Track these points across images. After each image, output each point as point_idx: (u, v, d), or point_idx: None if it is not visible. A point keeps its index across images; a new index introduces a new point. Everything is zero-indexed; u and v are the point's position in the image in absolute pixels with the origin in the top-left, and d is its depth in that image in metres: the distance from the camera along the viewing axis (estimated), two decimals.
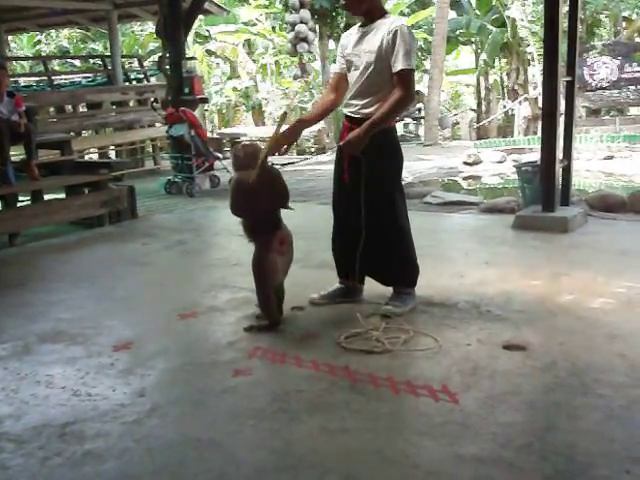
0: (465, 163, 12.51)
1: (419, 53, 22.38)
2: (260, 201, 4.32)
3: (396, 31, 4.16)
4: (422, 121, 19.08)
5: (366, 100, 4.35)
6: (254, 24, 21.35)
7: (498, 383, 3.39)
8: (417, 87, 22.36)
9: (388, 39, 4.19)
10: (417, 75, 24.57)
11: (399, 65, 4.14)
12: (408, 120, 20.94)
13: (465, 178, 12.06)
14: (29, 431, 3.16)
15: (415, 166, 12.63)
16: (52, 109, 12.80)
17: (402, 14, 20.23)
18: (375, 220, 4.44)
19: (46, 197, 7.94)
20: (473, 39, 22.40)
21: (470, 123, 22.37)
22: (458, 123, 22.87)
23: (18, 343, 4.32)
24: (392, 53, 4.17)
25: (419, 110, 20.03)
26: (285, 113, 4.91)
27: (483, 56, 21.57)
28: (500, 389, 3.32)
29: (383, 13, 4.42)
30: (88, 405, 3.40)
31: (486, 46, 20.92)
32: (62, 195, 8.00)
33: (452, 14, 20.17)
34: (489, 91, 23.52)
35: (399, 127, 21.87)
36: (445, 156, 13.96)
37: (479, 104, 23.54)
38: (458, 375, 3.48)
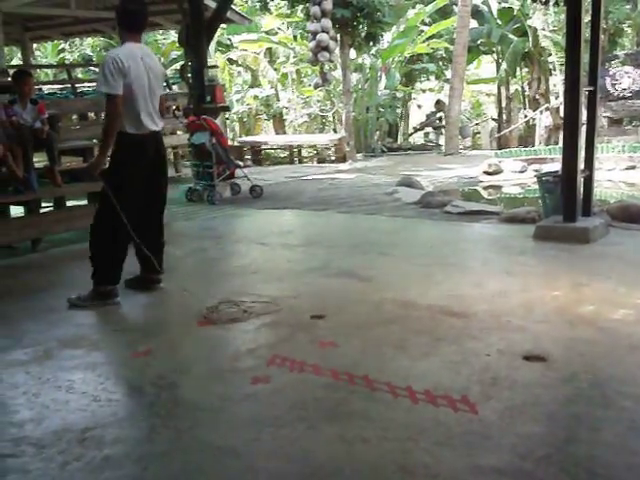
0: (485, 172, 12.47)
1: (440, 62, 22.37)
2: None
3: None
4: (443, 130, 19.05)
5: None
6: (275, 33, 21.42)
7: (518, 394, 3.37)
8: (438, 96, 22.39)
9: None
10: (438, 84, 24.57)
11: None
12: (429, 129, 20.93)
13: (485, 187, 12.03)
14: (49, 435, 3.18)
15: (435, 175, 12.62)
16: (75, 116, 12.92)
17: (423, 23, 20.23)
18: None
19: (68, 203, 8.02)
20: (494, 48, 22.34)
21: (491, 132, 22.31)
22: (479, 132, 22.83)
23: (40, 348, 4.35)
24: None
25: (440, 119, 20.01)
26: None
27: (504, 65, 21.50)
28: (520, 400, 3.30)
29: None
30: (108, 411, 3.42)
31: (507, 55, 20.86)
32: (84, 202, 8.07)
33: (473, 23, 20.13)
34: (510, 100, 23.42)
35: (420, 136, 21.89)
36: (465, 165, 13.93)
37: (500, 113, 23.45)
38: (478, 385, 3.47)
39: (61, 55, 26.08)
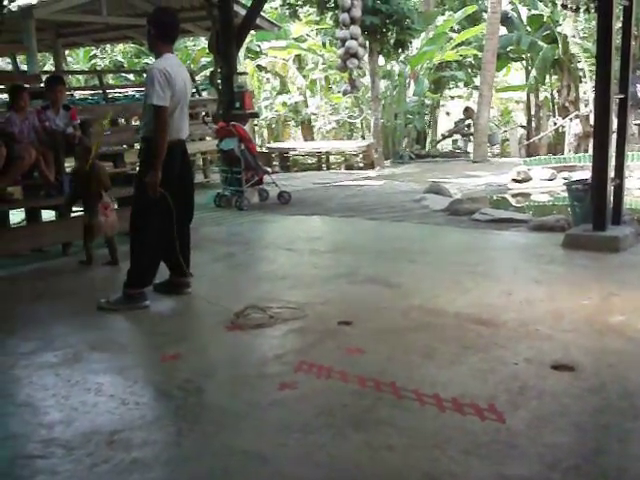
0: (514, 180, 12.39)
1: (469, 69, 22.31)
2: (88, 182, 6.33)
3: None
4: (471, 137, 18.96)
5: None
6: (304, 40, 21.49)
7: (546, 403, 3.35)
8: (467, 103, 22.31)
9: None
10: (467, 91, 24.50)
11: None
12: (457, 136, 20.85)
13: (514, 195, 11.95)
14: (78, 437, 3.21)
15: (464, 182, 12.57)
16: (106, 122, 13.04)
17: (452, 30, 20.19)
18: None
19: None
20: (524, 55, 22.23)
21: (520, 140, 22.15)
22: (507, 140, 22.67)
23: (69, 351, 4.41)
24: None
25: (468, 126, 19.93)
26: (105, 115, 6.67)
27: (533, 73, 21.38)
28: (548, 409, 3.28)
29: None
30: (136, 414, 3.45)
31: (537, 62, 20.74)
32: (114, 206, 8.14)
33: (503, 30, 20.04)
34: (539, 108, 23.28)
35: (448, 143, 21.81)
36: (494, 173, 13.86)
37: (529, 121, 23.32)
38: (505, 394, 3.45)
39: (92, 61, 26.36)
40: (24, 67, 14.22)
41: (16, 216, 8.06)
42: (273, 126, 25.12)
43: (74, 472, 2.93)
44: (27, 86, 8.21)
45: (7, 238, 7.09)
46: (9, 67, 19.65)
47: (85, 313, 5.20)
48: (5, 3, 7.83)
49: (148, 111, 5.10)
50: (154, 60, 5.26)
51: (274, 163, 17.66)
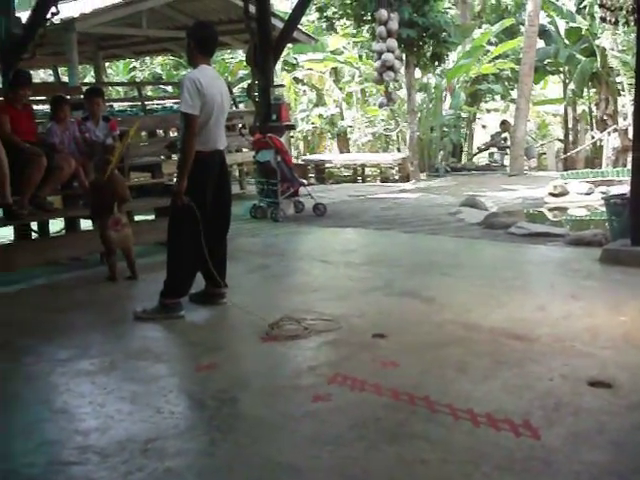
0: (551, 194, 12.28)
1: (506, 82, 22.18)
2: (103, 195, 6.30)
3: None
4: (508, 151, 18.85)
5: None
6: (341, 52, 21.55)
7: (582, 420, 3.31)
8: (504, 116, 22.19)
9: None
10: (503, 104, 24.37)
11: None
12: (493, 150, 20.74)
13: (551, 209, 11.84)
14: (113, 445, 3.24)
15: (500, 196, 12.50)
16: (144, 133, 13.20)
17: (489, 43, 20.12)
18: None
19: (136, 218, 8.20)
20: (561, 68, 22.07)
21: (557, 153, 21.95)
22: (544, 153, 22.47)
23: (106, 359, 4.46)
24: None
25: (505, 140, 19.81)
26: (129, 130, 6.59)
27: (571, 86, 21.21)
28: (584, 427, 3.24)
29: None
30: (170, 423, 3.48)
31: (575, 76, 20.58)
32: (151, 217, 8.24)
33: (540, 43, 19.93)
34: (577, 121, 23.08)
35: (484, 156, 21.71)
36: (530, 186, 13.76)
37: (566, 134, 23.11)
38: (540, 410, 3.42)
39: (132, 73, 26.71)
40: (65, 78, 14.45)
41: (55, 225, 8.18)
42: (309, 138, 25.21)
43: (109, 479, 2.96)
44: (68, 97, 8.33)
45: (47, 247, 7.20)
46: (51, 78, 19.99)
47: (121, 322, 5.27)
48: (48, 16, 7.97)
49: (181, 120, 5.19)
50: (191, 71, 5.33)
51: (310, 175, 17.70)
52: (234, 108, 15.54)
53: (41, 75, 22.71)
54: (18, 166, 6.53)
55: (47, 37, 8.24)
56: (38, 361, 4.49)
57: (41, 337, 4.94)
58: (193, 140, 5.07)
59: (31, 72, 7.99)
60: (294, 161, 13.63)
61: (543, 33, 20.37)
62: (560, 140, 24.12)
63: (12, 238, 7.69)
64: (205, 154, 5.18)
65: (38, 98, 9.51)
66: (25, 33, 7.91)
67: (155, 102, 16.45)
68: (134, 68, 26.93)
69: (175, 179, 5.36)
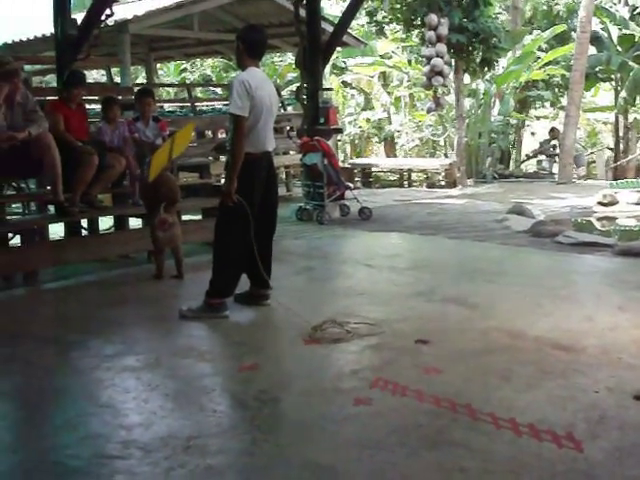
0: (600, 203, 12.08)
1: (556, 89, 21.90)
2: (152, 194, 6.43)
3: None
4: (556, 158, 18.60)
5: None
6: (390, 57, 21.48)
7: (627, 434, 3.26)
8: (553, 124, 21.91)
9: None
10: (553, 111, 24.07)
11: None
12: (542, 157, 20.49)
13: (599, 219, 11.65)
14: (156, 441, 3.30)
15: (547, 204, 12.34)
16: (193, 134, 13.33)
17: (540, 49, 19.89)
18: None
19: (184, 218, 8.29)
20: (613, 76, 21.70)
21: (607, 162, 21.58)
22: (594, 162, 22.12)
23: (151, 356, 4.53)
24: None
25: (554, 147, 19.56)
26: (173, 135, 6.51)
27: (623, 94, 20.82)
28: (629, 441, 3.19)
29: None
30: (212, 421, 3.52)
31: (627, 83, 20.19)
32: (199, 217, 8.32)
33: (592, 50, 19.60)
34: (628, 130, 22.64)
35: (532, 163, 21.45)
36: (579, 195, 13.56)
37: (617, 143, 22.69)
38: (584, 423, 3.37)
39: (182, 75, 26.98)
40: (118, 79, 14.68)
41: (105, 223, 8.32)
42: (356, 142, 25.18)
43: (151, 474, 3.01)
44: (118, 98, 8.46)
45: (96, 244, 7.33)
46: (104, 79, 20.32)
47: (167, 319, 5.34)
48: (103, 18, 8.10)
49: (230, 122, 5.24)
50: (240, 73, 5.38)
51: (356, 179, 17.66)
52: (282, 110, 15.65)
53: (94, 75, 23.08)
54: (70, 164, 6.65)
55: (101, 38, 8.37)
56: (85, 356, 4.58)
57: (88, 332, 5.03)
58: (242, 141, 5.11)
59: (85, 72, 8.12)
60: (341, 164, 13.63)
61: (595, 40, 20.04)
62: (610, 149, 23.71)
63: (63, 234, 7.84)
64: (254, 156, 5.22)
65: (91, 98, 9.67)
66: (80, 34, 8.04)
67: (204, 103, 16.60)
68: (185, 70, 27.21)
69: (224, 180, 5.40)
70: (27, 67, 11.93)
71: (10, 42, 13.46)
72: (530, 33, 20.73)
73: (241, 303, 5.58)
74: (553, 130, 20.31)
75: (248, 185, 5.22)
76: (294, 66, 15.47)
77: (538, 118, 24.45)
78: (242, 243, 5.26)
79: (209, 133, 13.37)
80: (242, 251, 5.31)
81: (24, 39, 13.40)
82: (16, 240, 7.26)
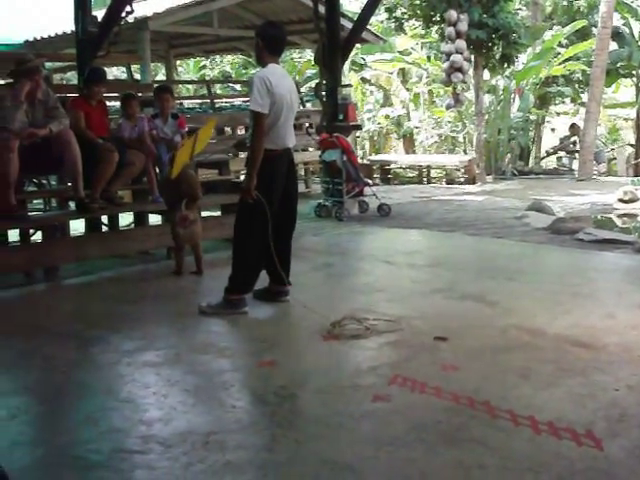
0: (620, 200, 11.99)
1: (576, 85, 21.75)
2: (173, 191, 6.44)
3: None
4: (576, 155, 18.48)
5: None
6: (409, 53, 21.42)
7: None
8: (573, 120, 21.76)
9: None
10: (573, 107, 23.90)
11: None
12: (562, 154, 20.36)
13: (620, 216, 11.57)
14: (176, 436, 3.32)
15: (567, 201, 12.28)
16: (213, 131, 13.36)
17: (560, 45, 19.76)
18: None
19: (203, 214, 8.32)
20: (634, 72, 21.53)
21: (627, 159, 21.42)
22: (615, 158, 21.98)
23: (170, 351, 4.56)
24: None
25: (574, 144, 19.44)
26: (196, 132, 6.51)
27: None
28: None
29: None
30: (231, 417, 3.54)
31: None
32: (217, 213, 8.35)
33: (613, 45, 19.45)
34: None
35: (552, 160, 21.33)
36: (599, 192, 13.47)
37: (638, 139, 22.50)
38: (604, 421, 3.36)
39: (202, 72, 27.08)
40: (138, 76, 14.76)
41: (125, 219, 8.37)
42: (375, 138, 25.16)
43: (170, 469, 3.03)
44: (138, 94, 8.51)
45: (116, 240, 7.38)
46: (124, 76, 20.42)
47: (186, 315, 5.36)
48: (123, 15, 8.15)
49: (250, 119, 5.25)
50: (260, 69, 5.38)
51: (375, 175, 17.64)
52: (301, 107, 15.61)
53: (115, 72, 23.20)
54: (91, 161, 6.70)
55: (121, 36, 8.41)
56: (105, 351, 4.62)
57: (109, 328, 5.06)
58: (262, 138, 5.12)
59: (105, 69, 8.17)
60: (360, 161, 13.62)
61: (616, 35, 19.89)
62: (631, 145, 23.52)
63: (83, 230, 7.90)
64: (275, 152, 5.24)
65: (111, 95, 9.73)
66: (100, 32, 8.10)
67: (224, 100, 16.64)
68: (204, 66, 27.31)
69: (244, 177, 5.41)
70: (48, 64, 11.99)
71: (31, 39, 13.55)
72: (550, 29, 20.61)
73: (260, 299, 5.60)
74: (573, 126, 20.18)
75: (268, 182, 5.23)
76: (313, 63, 15.43)
77: (558, 114, 24.27)
78: (261, 240, 5.28)
79: (228, 130, 13.41)
80: (261, 248, 5.32)
81: (45, 37, 13.49)
82: (37, 236, 7.32)
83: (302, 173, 14.28)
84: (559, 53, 19.38)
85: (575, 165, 18.44)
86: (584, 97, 20.63)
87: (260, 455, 3.15)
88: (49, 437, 3.47)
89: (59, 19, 12.48)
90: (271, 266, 5.46)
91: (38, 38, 13.53)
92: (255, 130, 5.12)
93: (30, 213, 7.48)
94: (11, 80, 6.57)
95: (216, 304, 5.35)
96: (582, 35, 20.68)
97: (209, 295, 5.52)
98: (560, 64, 19.29)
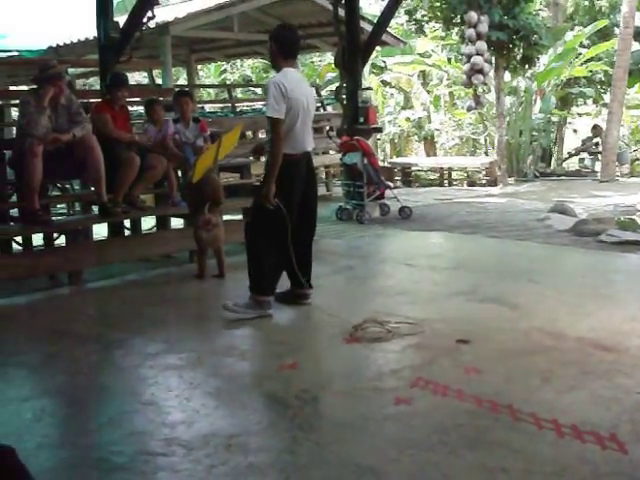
0: None
1: (599, 86, 21.60)
2: (196, 195, 6.47)
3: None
4: (599, 156, 18.35)
5: None
6: (429, 55, 21.38)
7: None
8: (595, 121, 21.60)
9: None
10: (596, 108, 23.74)
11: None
12: (584, 155, 20.23)
13: None
14: (198, 439, 3.34)
15: (590, 202, 12.19)
16: (237, 137, 13.39)
17: (582, 46, 19.64)
18: None
19: (225, 217, 8.35)
20: None
21: None
22: (638, 159, 21.80)
23: (192, 354, 4.58)
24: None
25: (596, 145, 19.30)
26: (220, 138, 6.52)
27: None
28: None
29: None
30: (253, 419, 3.57)
31: None
32: (239, 216, 8.38)
33: (635, 46, 19.28)
34: None
35: (575, 161, 21.18)
36: (622, 193, 13.36)
37: None
38: (628, 424, 3.34)
39: (223, 76, 27.18)
40: (159, 81, 14.84)
41: (147, 223, 8.41)
42: (396, 141, 25.12)
43: (193, 472, 3.05)
44: (160, 99, 8.56)
45: (139, 243, 7.42)
46: (145, 80, 20.55)
47: (208, 319, 5.40)
48: (144, 20, 8.20)
49: (268, 125, 5.27)
50: (275, 75, 5.38)
51: (396, 178, 17.63)
52: (322, 110, 15.64)
53: (136, 77, 23.36)
54: (113, 165, 6.76)
55: (143, 41, 8.46)
56: (128, 354, 4.65)
57: (132, 331, 5.10)
58: (281, 144, 5.13)
59: (127, 74, 8.23)
60: (380, 164, 13.62)
61: (638, 35, 19.73)
62: None
63: (106, 234, 7.95)
64: (293, 157, 5.25)
65: (134, 99, 9.79)
66: (122, 37, 8.15)
67: (245, 104, 16.70)
68: (225, 71, 27.41)
69: (263, 181, 5.38)
70: (71, 70, 12.10)
71: (54, 45, 13.66)
72: (572, 29, 20.47)
73: (281, 302, 5.61)
74: (596, 127, 20.04)
75: (288, 186, 5.24)
76: (333, 66, 15.46)
77: (580, 115, 24.11)
78: (277, 243, 5.28)
79: (249, 134, 13.44)
80: (278, 251, 5.32)
81: (68, 42, 13.61)
82: (61, 240, 7.38)
83: (323, 176, 14.30)
84: (580, 54, 19.26)
85: (598, 166, 18.30)
86: (606, 98, 20.49)
87: (282, 457, 3.16)
88: (73, 439, 3.51)
89: (81, 25, 12.56)
90: (291, 270, 5.47)
91: (61, 44, 13.64)
92: (273, 136, 5.13)
93: (54, 217, 7.55)
94: (35, 86, 6.62)
95: (243, 304, 5.34)
96: (604, 35, 20.54)
97: (231, 298, 5.51)
98: (582, 65, 19.16)
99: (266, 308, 5.35)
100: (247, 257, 5.43)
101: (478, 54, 14.46)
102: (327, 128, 12.90)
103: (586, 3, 22.90)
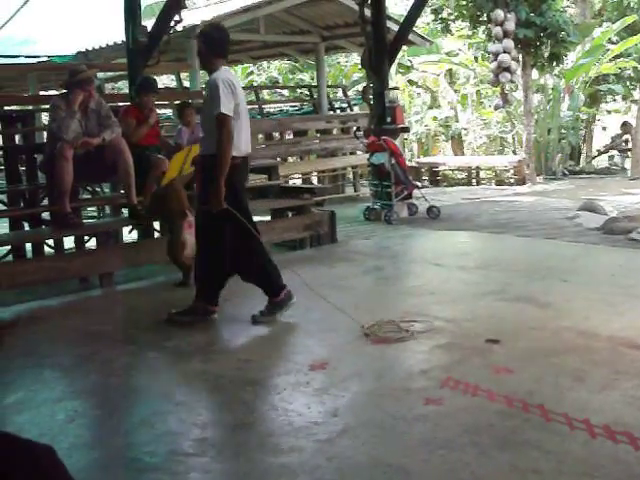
0: None
1: (628, 82, 21.37)
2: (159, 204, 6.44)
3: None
4: (629, 153, 18.16)
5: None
6: (456, 54, 21.28)
7: None
8: (625, 118, 21.38)
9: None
10: (625, 105, 23.49)
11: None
12: (614, 152, 20.03)
13: None
14: (230, 439, 3.36)
15: (620, 200, 12.06)
16: (261, 136, 13.47)
17: (610, 42, 19.44)
18: None
19: (255, 218, 8.37)
20: None
21: None
22: None
23: (221, 356, 4.62)
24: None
25: (626, 142, 19.10)
26: (190, 148, 6.43)
27: None
28: None
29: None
30: (285, 420, 3.57)
31: None
32: (267, 217, 8.41)
33: None
34: None
35: (604, 159, 20.99)
36: None
37: None
38: None
39: (249, 77, 27.28)
40: (187, 84, 14.94)
41: None
42: (423, 140, 25.02)
43: (224, 472, 3.07)
44: (190, 102, 8.63)
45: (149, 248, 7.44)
46: (173, 84, 20.69)
47: (237, 320, 5.42)
48: (172, 24, 8.27)
49: (209, 123, 5.05)
50: (210, 75, 5.14)
51: (424, 177, 17.59)
52: (349, 111, 15.70)
53: (164, 81, 23.52)
54: (142, 168, 6.82)
55: (170, 44, 8.54)
56: (160, 356, 4.70)
57: (163, 333, 5.14)
58: (231, 142, 4.91)
59: (155, 78, 8.31)
60: (408, 163, 13.58)
61: None
62: None
63: (136, 237, 8.03)
64: (238, 159, 5.06)
65: (162, 103, 9.87)
66: (150, 41, 8.22)
67: (272, 105, 16.76)
68: (251, 72, 27.50)
69: (211, 186, 4.98)
70: (100, 74, 12.24)
71: (83, 50, 13.82)
72: (600, 25, 20.27)
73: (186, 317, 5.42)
74: (625, 124, 19.83)
75: (237, 190, 5.10)
76: (360, 66, 15.45)
77: (609, 112, 23.87)
78: (222, 251, 5.19)
79: (277, 135, 13.50)
80: (221, 259, 5.23)
81: (97, 47, 13.75)
82: (92, 243, 7.46)
83: (351, 176, 14.33)
84: (609, 50, 19.06)
85: (627, 164, 18.14)
86: (636, 94, 20.29)
87: (313, 458, 3.17)
88: (106, 439, 3.56)
89: (110, 30, 12.70)
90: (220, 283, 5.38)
91: (90, 49, 13.79)
92: (223, 134, 4.87)
93: (84, 220, 7.64)
94: (65, 91, 6.71)
95: (268, 311, 5.30)
96: (633, 31, 20.29)
97: (255, 298, 5.46)
98: (610, 61, 18.96)
99: (289, 300, 5.31)
100: (201, 266, 5.39)
101: (505, 52, 14.39)
102: (354, 128, 12.91)
103: None
